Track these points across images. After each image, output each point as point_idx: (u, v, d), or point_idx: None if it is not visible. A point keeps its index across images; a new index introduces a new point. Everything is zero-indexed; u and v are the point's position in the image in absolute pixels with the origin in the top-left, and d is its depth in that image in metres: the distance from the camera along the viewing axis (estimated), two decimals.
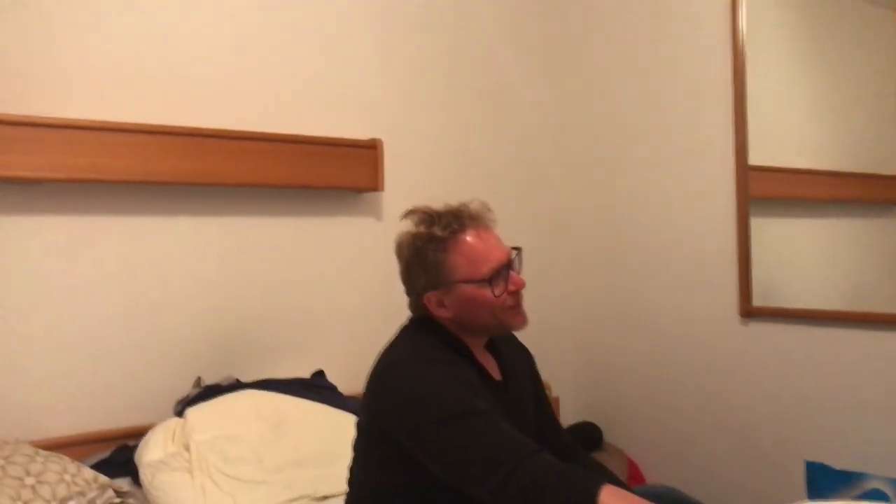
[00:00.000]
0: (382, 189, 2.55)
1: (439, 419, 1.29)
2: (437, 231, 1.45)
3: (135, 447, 1.97)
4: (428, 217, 1.48)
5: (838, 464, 2.29)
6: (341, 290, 2.55)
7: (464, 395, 1.33)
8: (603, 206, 3.00)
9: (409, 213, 1.51)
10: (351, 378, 2.38)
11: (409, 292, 1.52)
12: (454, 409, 1.29)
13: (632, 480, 2.74)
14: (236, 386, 2.19)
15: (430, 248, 1.45)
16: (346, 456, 1.56)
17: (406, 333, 1.52)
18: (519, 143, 3.05)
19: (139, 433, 2.02)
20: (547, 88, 3.11)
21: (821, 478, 2.26)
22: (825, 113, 2.50)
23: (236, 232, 2.36)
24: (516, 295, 1.48)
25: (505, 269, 1.45)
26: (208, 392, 2.12)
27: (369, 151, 2.53)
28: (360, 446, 1.49)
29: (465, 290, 1.43)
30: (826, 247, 2.56)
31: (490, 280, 1.43)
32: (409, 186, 2.66)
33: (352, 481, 1.55)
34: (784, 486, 2.40)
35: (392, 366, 1.42)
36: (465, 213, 1.47)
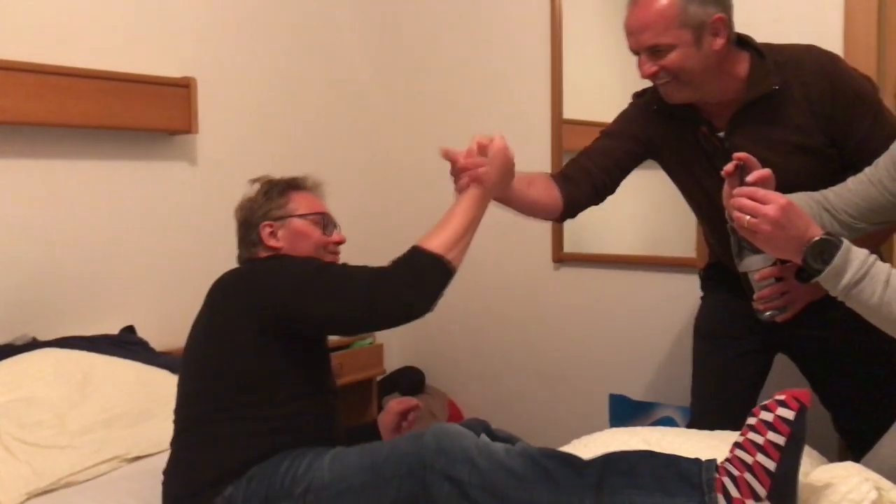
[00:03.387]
0: (197, 131, 2.40)
1: (316, 268, 1.50)
2: (282, 182, 1.68)
3: None
4: (270, 179, 1.70)
5: (636, 395, 2.51)
6: (152, 239, 2.40)
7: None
8: (424, 155, 3.02)
9: (258, 181, 1.69)
10: (164, 333, 2.26)
11: (243, 236, 1.65)
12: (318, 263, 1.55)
13: (452, 420, 2.85)
14: (33, 345, 2.01)
15: (274, 190, 1.66)
16: (160, 414, 1.49)
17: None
18: (342, 87, 2.98)
19: None
20: (374, 33, 3.06)
21: (621, 409, 2.46)
22: (635, 75, 2.64)
23: (36, 176, 2.14)
24: (336, 249, 1.67)
25: (332, 223, 1.68)
26: None
27: (182, 90, 2.37)
28: (212, 344, 1.51)
29: (297, 224, 1.63)
30: (629, 198, 2.74)
31: (322, 220, 1.65)
32: (226, 129, 2.53)
33: (198, 392, 1.52)
34: (591, 418, 2.60)
35: (257, 262, 1.61)
36: (304, 180, 1.71)
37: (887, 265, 1.16)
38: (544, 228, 2.74)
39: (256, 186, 1.69)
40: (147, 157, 2.39)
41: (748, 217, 1.23)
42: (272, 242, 1.62)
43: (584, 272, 2.72)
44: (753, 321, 1.60)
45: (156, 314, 2.36)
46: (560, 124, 2.69)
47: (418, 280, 1.40)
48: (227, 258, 1.69)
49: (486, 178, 1.53)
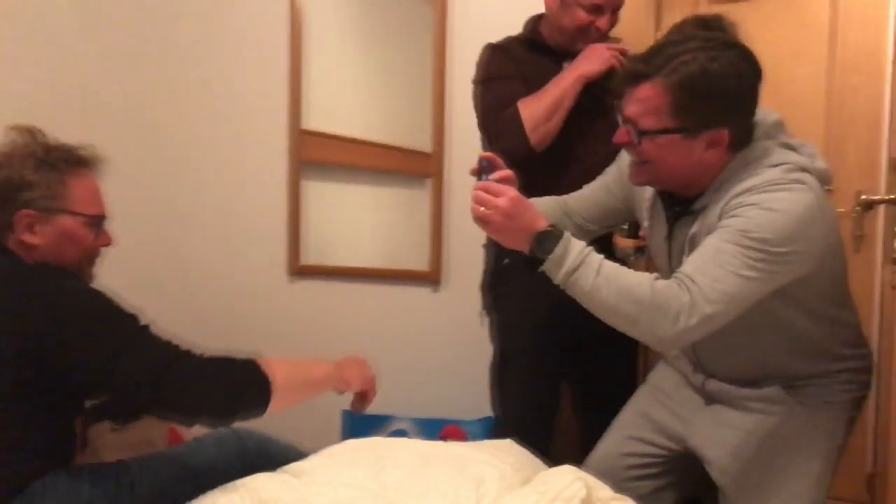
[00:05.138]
0: None
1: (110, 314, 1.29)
2: (60, 154, 1.35)
3: None
4: (44, 138, 1.36)
5: (371, 409, 2.50)
6: None
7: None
8: (150, 158, 2.79)
9: (24, 131, 1.36)
10: None
11: None
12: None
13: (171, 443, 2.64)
14: None
15: (47, 165, 1.33)
16: None
17: None
18: (63, 72, 2.66)
19: None
20: (100, 23, 2.77)
21: (354, 424, 2.44)
22: (376, 89, 2.68)
23: None
24: (99, 253, 1.44)
25: (103, 222, 1.43)
26: None
27: None
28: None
29: (68, 224, 1.35)
30: (370, 212, 2.78)
31: (97, 223, 1.39)
32: None
33: None
34: (322, 436, 2.54)
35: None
36: (88, 155, 1.41)
37: (601, 256, 1.26)
38: (279, 238, 2.66)
39: (22, 141, 1.33)
40: None
41: (482, 208, 1.29)
42: (27, 238, 1.31)
43: (322, 285, 2.68)
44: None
45: None
46: (298, 135, 2.64)
47: (230, 391, 1.27)
48: None
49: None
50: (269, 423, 2.61)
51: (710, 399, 1.51)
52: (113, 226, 1.45)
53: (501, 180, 1.33)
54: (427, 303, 2.56)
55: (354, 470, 1.26)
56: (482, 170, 1.37)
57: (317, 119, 2.64)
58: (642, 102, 1.28)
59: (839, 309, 1.40)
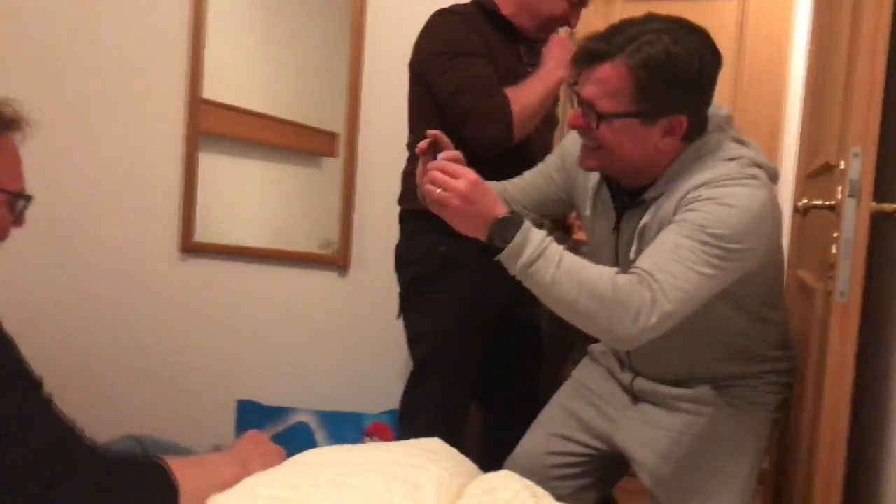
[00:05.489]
0: None
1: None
2: None
3: None
4: None
5: (269, 400, 2.36)
6: None
7: None
8: (34, 128, 2.51)
9: None
10: None
11: None
12: None
13: None
14: None
15: None
16: None
17: None
18: None
19: None
20: None
21: (250, 415, 2.30)
22: (284, 64, 2.54)
23: None
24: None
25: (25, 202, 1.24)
26: None
27: None
28: None
29: None
30: (264, 188, 2.63)
31: (19, 199, 1.20)
32: None
33: None
34: (215, 427, 2.39)
35: None
36: (9, 110, 1.19)
37: (561, 247, 1.20)
38: (171, 213, 2.46)
39: None
40: None
41: (439, 190, 1.20)
42: None
43: (214, 264, 2.49)
44: None
45: None
46: (198, 104, 2.44)
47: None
48: None
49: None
50: (160, 415, 2.45)
51: (637, 398, 1.49)
52: None
53: (451, 160, 1.25)
54: (333, 288, 2.44)
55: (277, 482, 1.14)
56: (431, 148, 1.29)
57: (218, 90, 2.46)
58: (602, 84, 1.22)
59: (773, 310, 1.41)
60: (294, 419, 2.25)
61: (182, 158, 2.45)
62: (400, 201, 1.93)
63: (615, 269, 1.20)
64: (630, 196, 1.34)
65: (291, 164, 2.65)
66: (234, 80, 2.51)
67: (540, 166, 1.55)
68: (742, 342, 1.39)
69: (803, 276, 1.69)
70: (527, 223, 1.20)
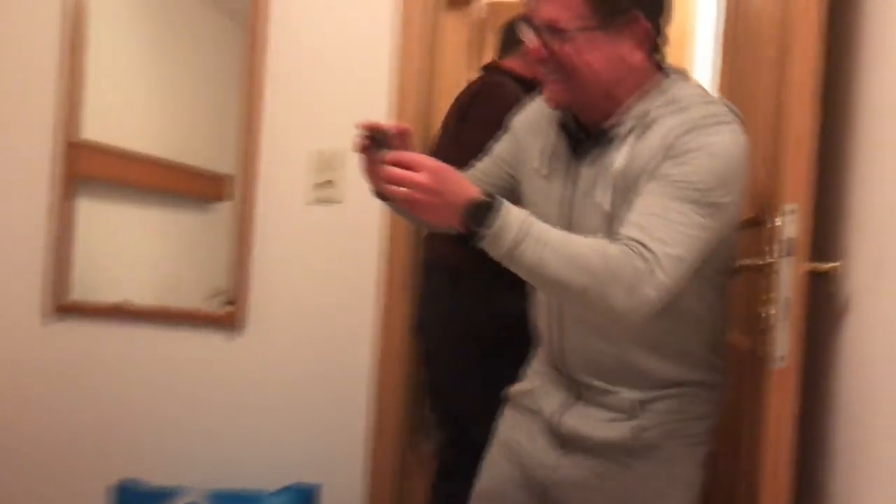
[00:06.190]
0: None
1: None
2: None
3: None
4: None
5: (155, 480, 2.10)
6: None
7: None
8: None
9: None
10: None
11: None
12: None
13: None
14: None
15: None
16: None
17: None
18: None
19: None
20: None
21: (132, 499, 2.03)
22: (166, 103, 2.37)
23: None
24: None
25: None
26: None
27: None
28: None
29: None
30: (148, 237, 2.42)
31: None
32: None
33: None
34: None
35: None
36: None
37: (546, 225, 1.11)
38: (37, 269, 2.19)
39: None
40: None
41: (403, 188, 1.09)
42: None
43: (90, 327, 2.22)
44: None
45: None
46: (72, 148, 2.20)
47: None
48: None
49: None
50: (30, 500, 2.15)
51: (566, 442, 1.36)
52: None
53: (400, 138, 1.17)
54: (223, 350, 2.21)
55: None
56: (375, 143, 1.19)
57: (99, 131, 2.24)
58: (553, 1, 1.19)
59: (726, 278, 1.32)
60: (185, 499, 2.00)
61: (56, 208, 2.20)
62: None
63: (604, 239, 1.11)
64: (596, 135, 1.25)
65: (178, 209, 2.44)
66: (116, 120, 2.31)
67: (487, 154, 1.46)
68: (681, 330, 1.28)
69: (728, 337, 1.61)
70: (504, 203, 1.10)
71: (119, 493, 2.03)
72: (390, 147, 1.18)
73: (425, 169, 1.09)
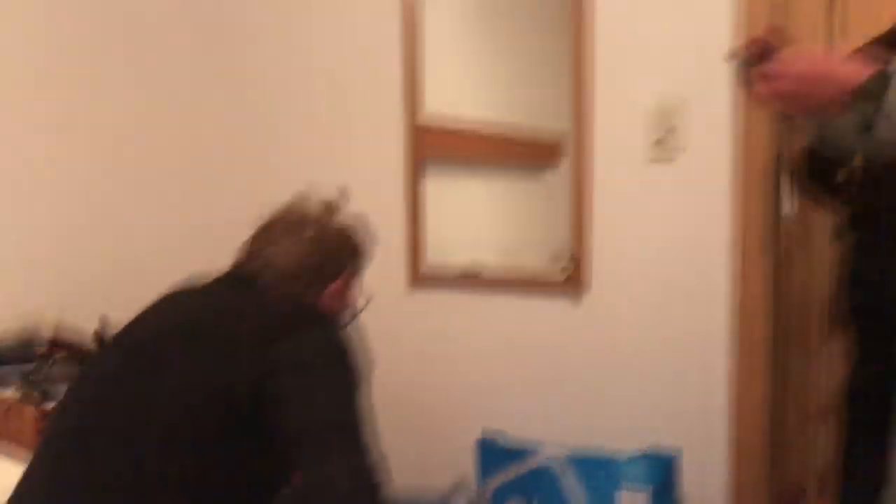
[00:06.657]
0: None
1: None
2: None
3: None
4: None
5: (513, 436, 2.18)
6: None
7: None
8: (248, 169, 2.61)
9: None
10: None
11: None
12: None
13: None
14: None
15: None
16: None
17: None
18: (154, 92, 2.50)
19: None
20: (190, 30, 2.59)
21: (491, 454, 2.12)
22: (498, 69, 2.42)
23: None
24: None
25: None
26: None
27: None
28: None
29: None
30: (490, 207, 2.50)
31: None
32: None
33: None
34: (454, 465, 2.26)
35: None
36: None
37: None
38: (397, 245, 2.38)
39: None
40: None
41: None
42: None
43: (441, 295, 2.37)
44: None
45: None
46: (414, 130, 2.36)
47: None
48: None
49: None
50: (392, 461, 2.36)
51: None
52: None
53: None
54: (568, 313, 2.20)
55: None
56: (756, 57, 1.15)
57: (436, 105, 2.36)
58: None
59: None
60: (539, 459, 2.04)
61: (405, 187, 2.37)
62: None
63: None
64: None
65: (513, 179, 2.48)
66: (454, 93, 2.41)
67: None
68: None
69: None
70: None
71: (482, 448, 2.14)
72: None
73: (799, 63, 1.08)
